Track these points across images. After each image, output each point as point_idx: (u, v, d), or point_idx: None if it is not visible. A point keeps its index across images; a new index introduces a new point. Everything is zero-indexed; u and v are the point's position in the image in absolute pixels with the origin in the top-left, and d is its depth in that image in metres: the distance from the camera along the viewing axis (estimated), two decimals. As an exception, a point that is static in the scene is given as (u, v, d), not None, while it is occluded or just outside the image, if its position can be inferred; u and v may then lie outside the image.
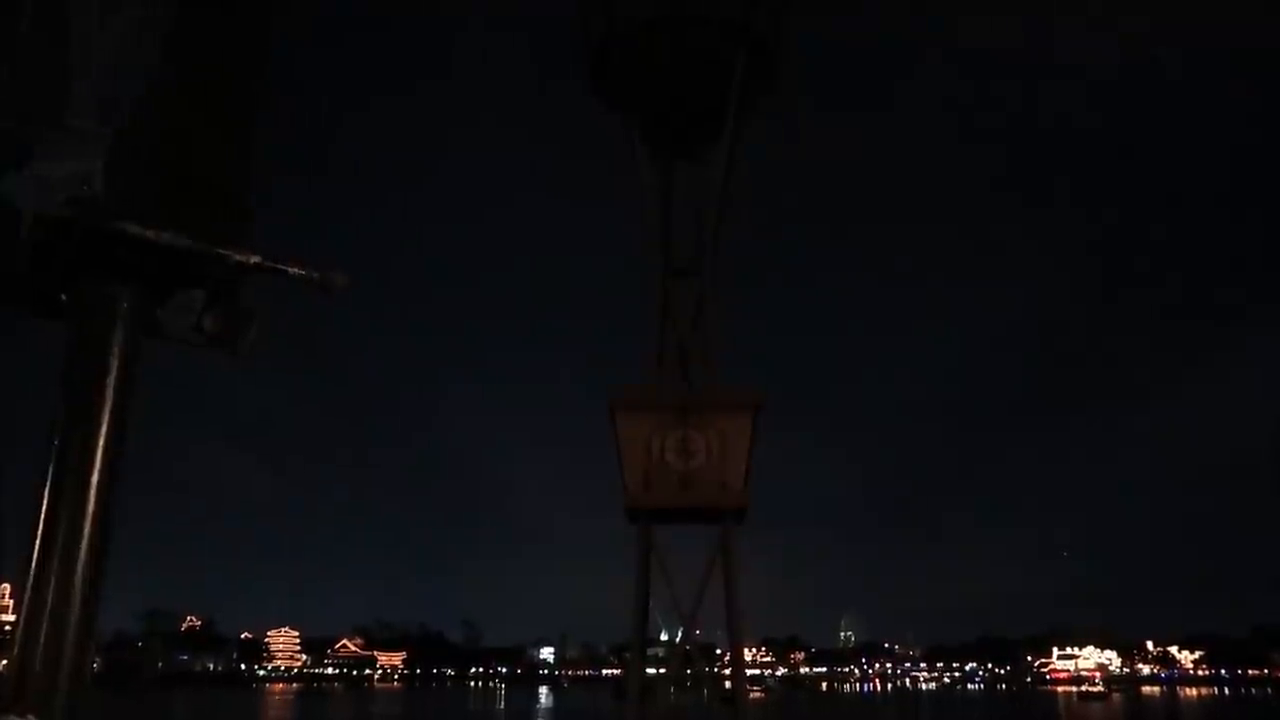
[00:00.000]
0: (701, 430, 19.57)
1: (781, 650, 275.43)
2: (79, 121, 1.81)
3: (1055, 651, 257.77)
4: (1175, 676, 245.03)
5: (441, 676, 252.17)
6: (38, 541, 1.69)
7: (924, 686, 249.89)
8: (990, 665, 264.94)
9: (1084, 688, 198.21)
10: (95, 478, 1.74)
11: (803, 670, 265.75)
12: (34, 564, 1.67)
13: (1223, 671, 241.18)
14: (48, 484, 1.72)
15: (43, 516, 1.71)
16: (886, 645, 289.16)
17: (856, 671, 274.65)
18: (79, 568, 1.68)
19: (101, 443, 1.77)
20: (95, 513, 1.72)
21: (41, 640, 1.66)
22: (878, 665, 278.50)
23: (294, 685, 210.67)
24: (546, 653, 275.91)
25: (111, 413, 1.79)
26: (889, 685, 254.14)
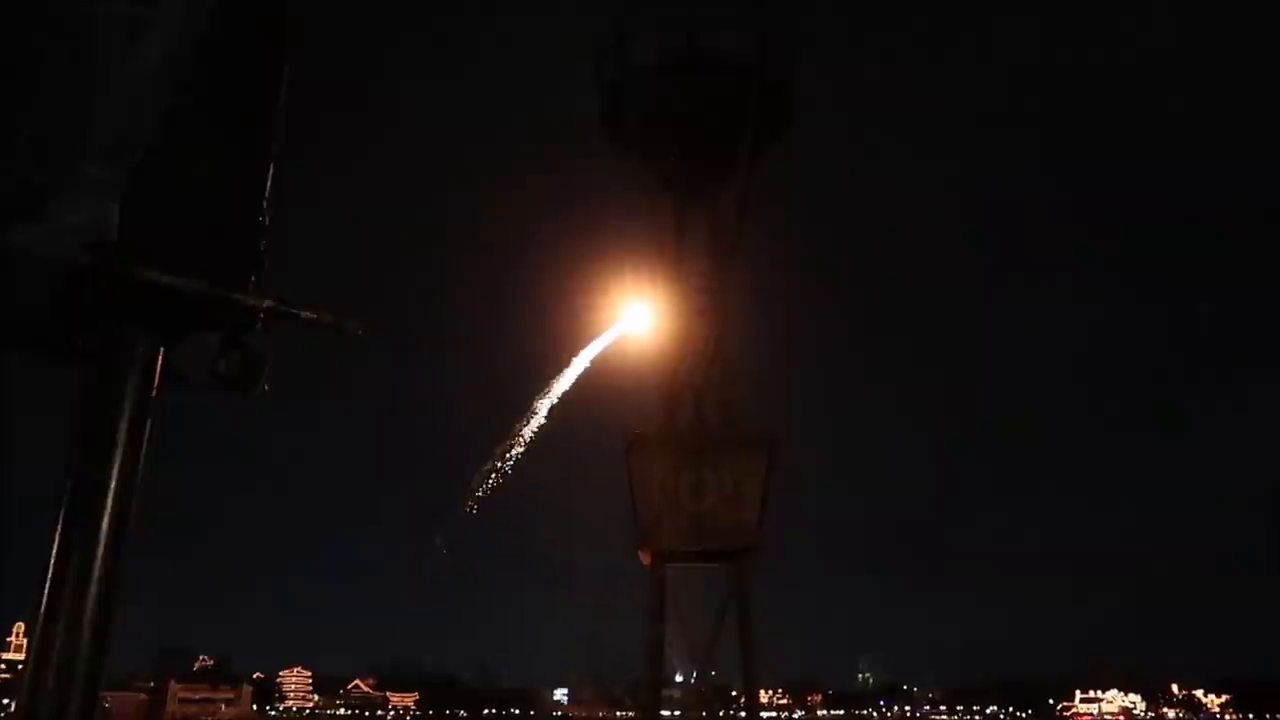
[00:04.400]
0: (715, 470, 19.48)
1: (799, 692, 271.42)
2: (94, 168, 1.86)
3: (1078, 694, 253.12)
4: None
5: (455, 717, 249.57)
6: (47, 586, 1.70)
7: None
8: (1011, 708, 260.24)
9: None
10: (106, 522, 1.76)
11: (820, 713, 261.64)
12: (43, 610, 1.68)
13: (1250, 716, 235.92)
14: (59, 527, 1.74)
15: (53, 560, 1.72)
16: (906, 687, 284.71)
17: (875, 714, 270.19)
18: (87, 613, 1.69)
19: (113, 486, 1.79)
20: (105, 557, 1.74)
21: (50, 686, 1.66)
22: (896, 708, 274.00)
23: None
24: (560, 694, 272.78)
25: (124, 456, 1.81)
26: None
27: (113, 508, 1.83)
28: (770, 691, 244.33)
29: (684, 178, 23.89)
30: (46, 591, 1.77)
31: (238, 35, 2.11)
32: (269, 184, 2.13)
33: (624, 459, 20.26)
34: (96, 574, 1.79)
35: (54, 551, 1.81)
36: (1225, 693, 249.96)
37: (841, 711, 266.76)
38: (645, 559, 20.16)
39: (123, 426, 1.85)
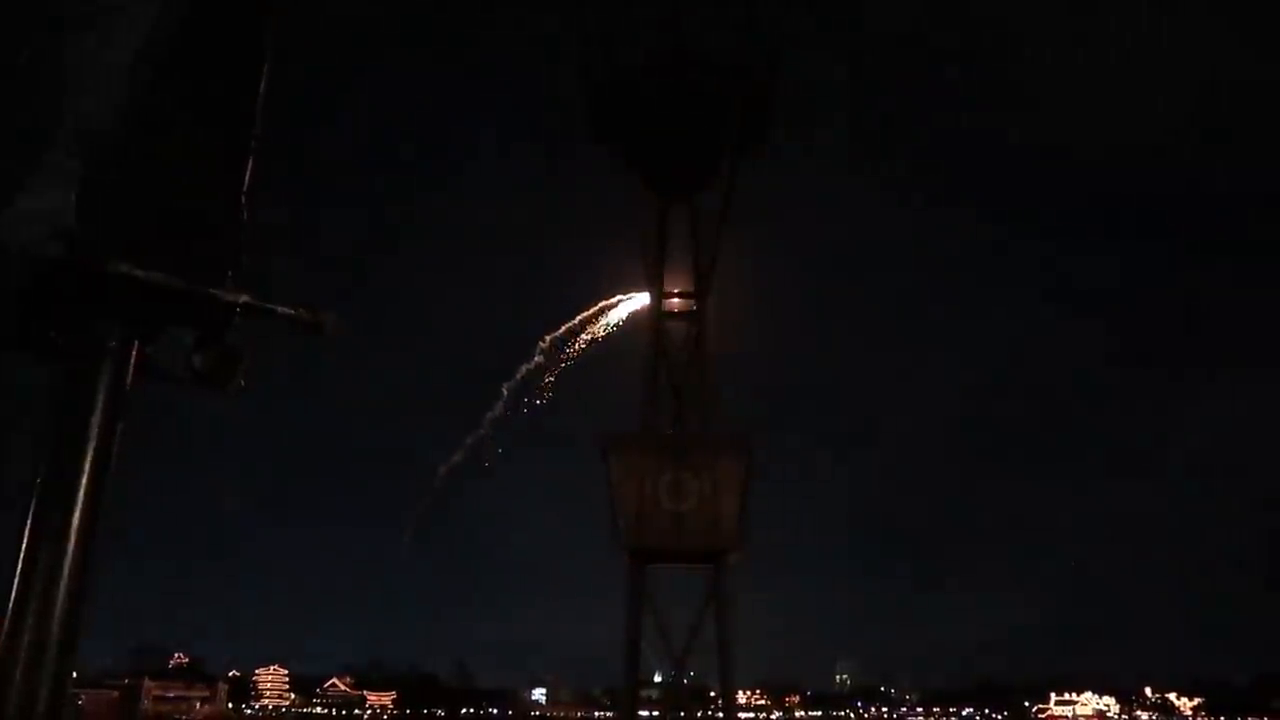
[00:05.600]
0: (694, 471, 19.51)
1: (776, 693, 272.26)
2: (56, 158, 1.83)
3: (1053, 697, 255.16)
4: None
5: (433, 717, 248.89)
6: (16, 582, 1.67)
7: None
8: (987, 710, 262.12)
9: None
10: (77, 518, 1.73)
11: (798, 714, 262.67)
12: (11, 606, 1.65)
13: (1223, 719, 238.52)
14: (29, 523, 1.71)
15: (22, 556, 1.69)
16: (883, 689, 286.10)
17: (853, 716, 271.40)
18: (57, 610, 1.66)
19: (85, 483, 1.76)
20: (76, 555, 1.71)
21: (17, 683, 1.64)
22: (874, 710, 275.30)
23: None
24: (538, 694, 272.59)
25: (96, 452, 1.78)
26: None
27: (84, 504, 1.81)
28: (748, 692, 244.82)
29: (669, 179, 23.91)
30: (15, 588, 1.75)
31: (218, 26, 2.08)
32: (248, 178, 2.11)
33: (602, 459, 20.25)
34: (67, 571, 1.76)
35: (23, 547, 1.78)
36: (1198, 696, 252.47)
37: (819, 713, 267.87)
38: (624, 561, 20.15)
39: (95, 422, 1.83)
